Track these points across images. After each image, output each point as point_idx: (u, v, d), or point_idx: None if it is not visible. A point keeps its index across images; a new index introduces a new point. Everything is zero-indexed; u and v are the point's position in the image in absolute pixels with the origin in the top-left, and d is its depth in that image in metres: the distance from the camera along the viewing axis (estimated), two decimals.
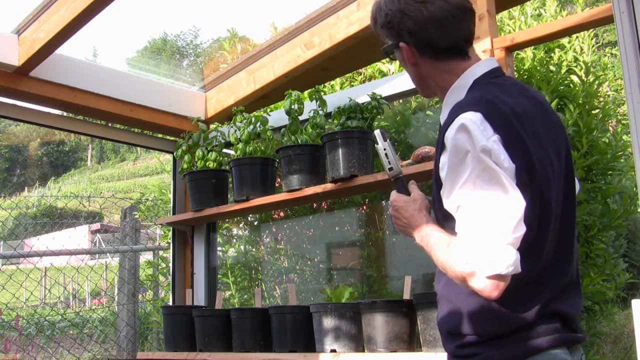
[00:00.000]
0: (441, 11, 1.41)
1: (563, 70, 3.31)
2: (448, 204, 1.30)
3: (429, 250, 1.37)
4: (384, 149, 1.55)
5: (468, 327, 1.35)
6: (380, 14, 1.49)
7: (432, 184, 1.45)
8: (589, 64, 3.36)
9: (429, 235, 1.38)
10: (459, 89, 1.43)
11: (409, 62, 1.48)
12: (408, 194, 1.51)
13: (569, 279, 1.40)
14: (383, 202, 3.72)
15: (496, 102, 1.32)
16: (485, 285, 1.21)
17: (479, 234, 1.21)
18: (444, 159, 1.32)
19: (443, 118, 1.45)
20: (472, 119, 1.27)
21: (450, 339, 1.40)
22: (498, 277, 1.20)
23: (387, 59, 1.87)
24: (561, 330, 1.34)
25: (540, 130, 1.36)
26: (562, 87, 3.27)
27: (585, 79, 3.31)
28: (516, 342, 1.30)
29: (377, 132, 1.57)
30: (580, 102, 3.19)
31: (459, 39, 1.45)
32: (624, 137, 3.30)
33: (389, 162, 1.54)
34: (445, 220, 1.37)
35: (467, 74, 1.44)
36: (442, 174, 1.31)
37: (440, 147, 1.35)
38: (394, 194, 1.52)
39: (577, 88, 3.27)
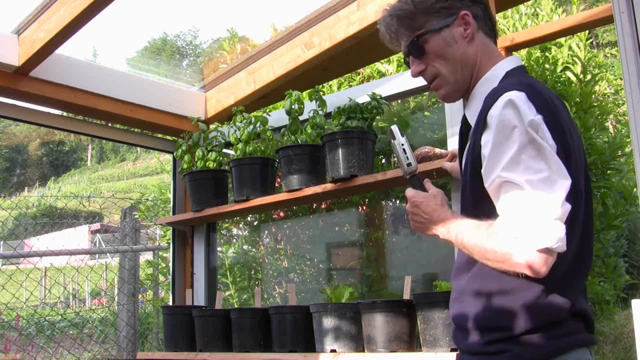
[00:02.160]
0: None
1: (559, 69, 3.32)
2: (491, 180, 1.27)
3: (460, 240, 1.35)
4: (402, 144, 1.52)
5: (498, 322, 1.31)
6: None
7: (463, 170, 1.44)
8: (585, 61, 3.36)
9: (459, 226, 1.36)
10: (492, 80, 1.44)
11: (468, 37, 1.46)
12: (424, 190, 1.49)
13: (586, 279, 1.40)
14: (383, 202, 3.72)
15: (536, 87, 1.34)
16: (535, 259, 1.19)
17: (528, 208, 1.21)
18: (486, 137, 1.30)
19: (474, 109, 1.44)
20: (518, 96, 1.28)
21: (476, 335, 1.36)
22: (547, 251, 1.19)
23: (386, 60, 1.88)
24: (585, 330, 1.35)
25: (569, 124, 1.38)
26: (558, 85, 3.27)
27: (581, 77, 3.31)
28: (545, 339, 1.29)
29: (394, 128, 1.54)
30: (578, 100, 3.19)
31: (495, 20, 1.52)
32: (626, 138, 3.30)
33: (407, 157, 1.51)
34: (475, 206, 1.36)
35: (499, 66, 1.46)
36: (485, 151, 1.29)
37: (482, 126, 1.32)
38: (411, 191, 1.50)
39: (573, 86, 3.27)
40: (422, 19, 1.46)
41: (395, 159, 1.58)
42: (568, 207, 1.22)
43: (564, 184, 1.23)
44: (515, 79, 1.39)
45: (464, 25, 1.46)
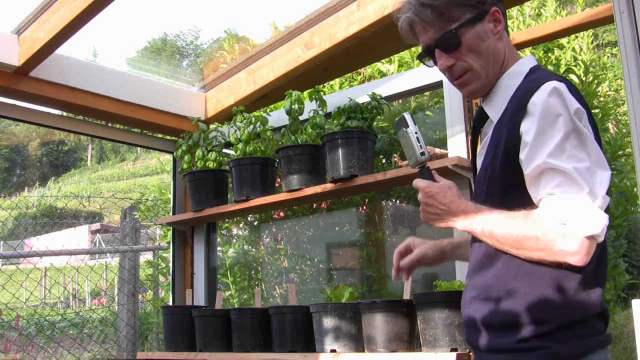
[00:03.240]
0: None
1: (562, 70, 3.32)
2: (535, 166, 1.26)
3: (487, 230, 1.32)
4: (416, 133, 1.45)
5: (533, 316, 1.28)
6: None
7: (488, 162, 1.40)
8: (588, 63, 3.37)
9: (486, 217, 1.32)
10: (517, 74, 1.45)
11: (496, 32, 1.46)
12: (435, 181, 1.46)
13: None
14: (383, 202, 3.72)
15: (571, 83, 1.35)
16: (581, 247, 1.19)
17: (574, 195, 1.20)
18: (528, 124, 1.29)
19: (496, 102, 1.44)
20: (561, 85, 1.29)
21: (507, 333, 1.32)
22: (591, 238, 1.19)
23: (387, 60, 1.87)
24: (605, 330, 1.35)
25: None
26: None
27: (584, 79, 3.32)
28: (577, 337, 1.27)
29: (407, 115, 1.47)
30: None
31: None
32: (626, 138, 3.30)
33: (420, 146, 1.45)
34: (505, 197, 1.33)
35: (521, 62, 1.47)
36: (527, 137, 1.28)
37: (521, 114, 1.31)
38: (423, 181, 1.45)
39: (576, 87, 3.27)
40: (456, 11, 1.44)
41: (404, 149, 1.46)
42: (608, 198, 1.24)
43: (605, 174, 1.24)
44: (547, 72, 1.39)
45: (493, 22, 1.46)
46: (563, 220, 1.20)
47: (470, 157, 1.57)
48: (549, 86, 1.29)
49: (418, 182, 1.46)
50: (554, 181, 1.23)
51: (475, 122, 1.55)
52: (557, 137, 1.24)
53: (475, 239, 1.43)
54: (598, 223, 1.19)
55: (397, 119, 1.50)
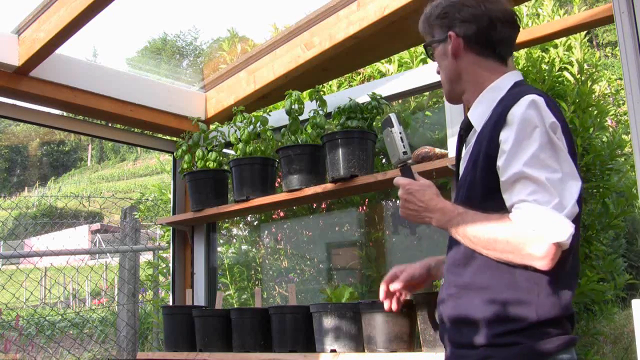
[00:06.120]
0: (496, 12, 1.53)
1: (556, 68, 3.32)
2: (511, 173, 1.33)
3: (462, 229, 1.38)
4: (400, 133, 1.52)
5: (508, 313, 1.34)
6: (437, 6, 1.59)
7: (469, 167, 1.47)
8: (582, 62, 3.36)
9: (461, 215, 1.39)
10: (499, 88, 1.52)
11: (452, 54, 1.56)
12: (414, 180, 1.53)
13: None
14: (383, 202, 3.72)
15: (550, 97, 1.43)
16: (548, 252, 1.26)
17: (545, 203, 1.27)
18: (506, 133, 1.36)
19: (479, 112, 1.52)
20: (539, 99, 1.37)
21: (483, 328, 1.38)
22: (558, 245, 1.26)
23: (387, 60, 1.95)
24: (571, 331, 1.41)
25: None
26: (556, 85, 3.27)
27: (578, 77, 3.31)
28: (552, 334, 1.34)
29: (392, 116, 1.55)
30: (576, 100, 3.19)
31: (503, 43, 1.56)
32: (624, 136, 3.30)
33: (403, 145, 1.52)
34: (484, 200, 1.40)
35: (507, 76, 1.54)
36: (505, 146, 1.35)
37: (501, 123, 1.39)
38: (403, 178, 1.52)
39: (571, 86, 3.27)
40: (434, 29, 1.61)
41: (388, 147, 1.59)
42: (577, 209, 1.30)
43: (577, 185, 1.32)
44: (528, 87, 1.47)
45: (451, 44, 1.57)
46: (533, 226, 1.27)
47: (455, 163, 1.64)
48: (528, 99, 1.36)
49: (399, 180, 1.53)
50: (527, 189, 1.30)
51: (462, 131, 1.63)
52: (533, 147, 1.31)
53: (452, 237, 1.49)
54: (565, 231, 1.26)
55: (383, 119, 1.59)
